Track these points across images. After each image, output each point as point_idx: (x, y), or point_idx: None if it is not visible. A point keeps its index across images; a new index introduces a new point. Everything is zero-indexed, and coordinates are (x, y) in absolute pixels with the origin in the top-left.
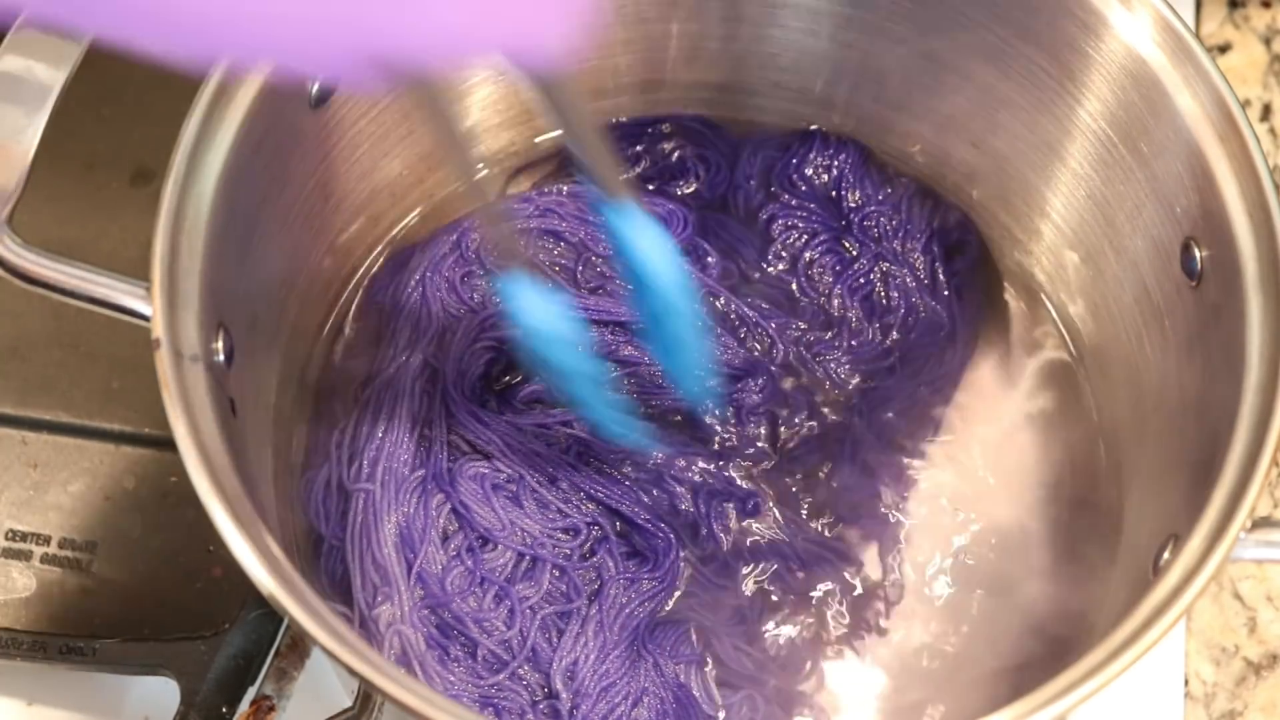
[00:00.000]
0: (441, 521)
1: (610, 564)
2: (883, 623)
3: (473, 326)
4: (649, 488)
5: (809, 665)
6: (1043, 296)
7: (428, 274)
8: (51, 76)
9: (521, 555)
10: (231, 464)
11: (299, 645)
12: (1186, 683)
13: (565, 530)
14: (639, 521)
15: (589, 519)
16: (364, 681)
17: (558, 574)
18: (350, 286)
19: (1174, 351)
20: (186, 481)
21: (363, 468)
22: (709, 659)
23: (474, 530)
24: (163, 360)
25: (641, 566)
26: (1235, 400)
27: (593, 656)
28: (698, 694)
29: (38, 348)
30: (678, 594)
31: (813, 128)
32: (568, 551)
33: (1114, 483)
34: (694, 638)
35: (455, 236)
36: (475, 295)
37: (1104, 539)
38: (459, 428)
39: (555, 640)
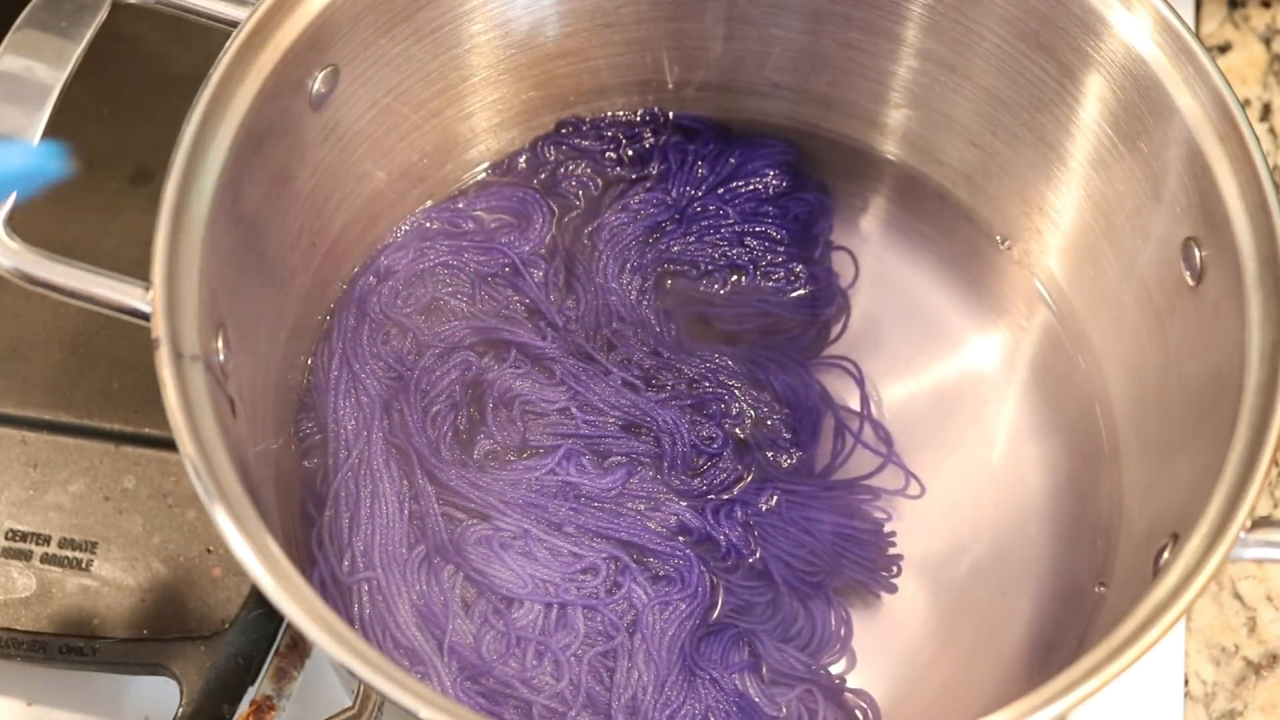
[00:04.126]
0: (458, 592)
1: (640, 592)
2: (889, 594)
3: (417, 392)
4: (652, 514)
5: (838, 648)
6: (1043, 296)
7: (347, 351)
8: (51, 76)
9: (549, 606)
10: (231, 464)
11: (299, 645)
12: (1186, 683)
13: (584, 571)
14: (653, 546)
15: (604, 554)
16: (364, 681)
17: (590, 615)
18: (349, 287)
19: (1174, 351)
20: (186, 481)
21: (356, 559)
22: (758, 661)
23: (495, 593)
24: (163, 360)
25: (671, 588)
26: (1235, 400)
27: (650, 688)
28: (758, 699)
29: (38, 348)
30: (712, 608)
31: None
32: (593, 591)
33: (1114, 483)
34: (740, 644)
35: (355, 302)
36: (397, 356)
37: (1104, 539)
38: (450, 495)
39: (608, 680)
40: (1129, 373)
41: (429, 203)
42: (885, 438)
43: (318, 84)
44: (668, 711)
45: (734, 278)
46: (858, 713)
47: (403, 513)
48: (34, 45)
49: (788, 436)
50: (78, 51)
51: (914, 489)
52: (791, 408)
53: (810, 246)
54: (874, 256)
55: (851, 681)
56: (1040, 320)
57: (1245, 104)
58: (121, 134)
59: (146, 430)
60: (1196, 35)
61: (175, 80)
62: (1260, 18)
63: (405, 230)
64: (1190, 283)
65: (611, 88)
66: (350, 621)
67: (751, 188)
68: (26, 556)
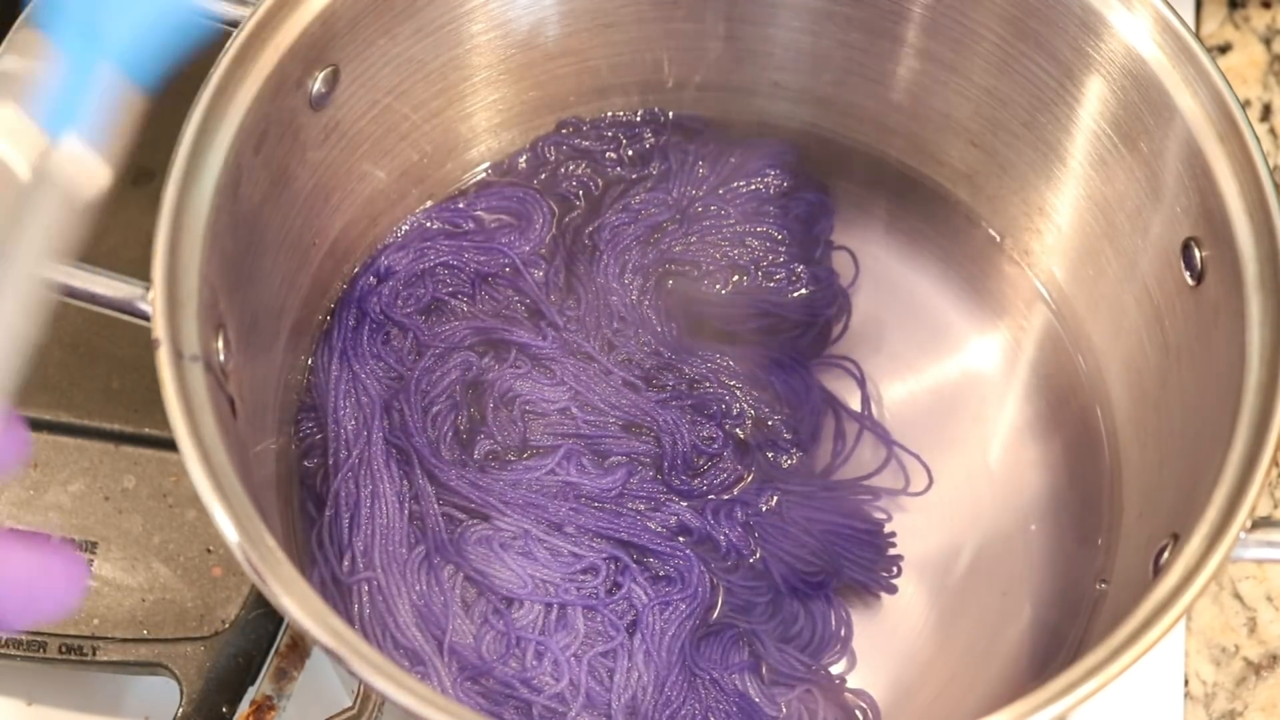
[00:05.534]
0: (458, 592)
1: (640, 592)
2: (889, 595)
3: (418, 392)
4: (652, 514)
5: (838, 648)
6: (1043, 296)
7: (347, 351)
8: None
9: (549, 606)
10: (231, 464)
11: (299, 645)
12: (1186, 683)
13: (585, 571)
14: (653, 546)
15: (604, 554)
16: (364, 681)
17: (590, 615)
18: (349, 287)
19: (1174, 351)
20: (186, 481)
21: (356, 559)
22: (758, 661)
23: (495, 593)
24: (163, 360)
25: (671, 588)
26: (1235, 400)
27: (650, 688)
28: (758, 699)
29: (38, 348)
30: (712, 608)
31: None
32: (593, 591)
33: (1114, 483)
34: (740, 644)
35: (355, 302)
36: (397, 356)
37: (1104, 539)
38: (450, 496)
39: (608, 680)
40: (1129, 373)
41: (429, 203)
42: (885, 437)
43: (318, 84)
44: (668, 711)
45: (735, 278)
46: (858, 713)
47: (403, 513)
48: (34, 45)
49: (788, 437)
50: None
51: (917, 485)
52: (792, 408)
53: (811, 247)
54: (874, 256)
55: (851, 681)
56: (1040, 320)
57: (1245, 104)
58: None
59: (146, 430)
60: (1196, 35)
61: (175, 80)
62: (1260, 18)
63: (405, 230)
64: (1190, 283)
65: (611, 88)
66: (350, 621)
67: (752, 188)
68: None
